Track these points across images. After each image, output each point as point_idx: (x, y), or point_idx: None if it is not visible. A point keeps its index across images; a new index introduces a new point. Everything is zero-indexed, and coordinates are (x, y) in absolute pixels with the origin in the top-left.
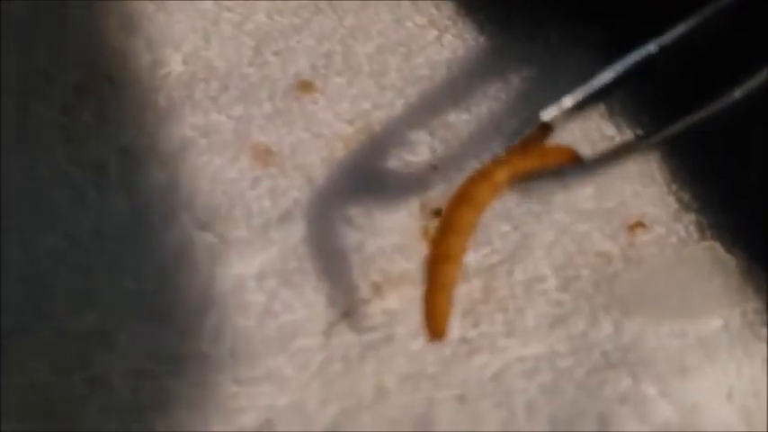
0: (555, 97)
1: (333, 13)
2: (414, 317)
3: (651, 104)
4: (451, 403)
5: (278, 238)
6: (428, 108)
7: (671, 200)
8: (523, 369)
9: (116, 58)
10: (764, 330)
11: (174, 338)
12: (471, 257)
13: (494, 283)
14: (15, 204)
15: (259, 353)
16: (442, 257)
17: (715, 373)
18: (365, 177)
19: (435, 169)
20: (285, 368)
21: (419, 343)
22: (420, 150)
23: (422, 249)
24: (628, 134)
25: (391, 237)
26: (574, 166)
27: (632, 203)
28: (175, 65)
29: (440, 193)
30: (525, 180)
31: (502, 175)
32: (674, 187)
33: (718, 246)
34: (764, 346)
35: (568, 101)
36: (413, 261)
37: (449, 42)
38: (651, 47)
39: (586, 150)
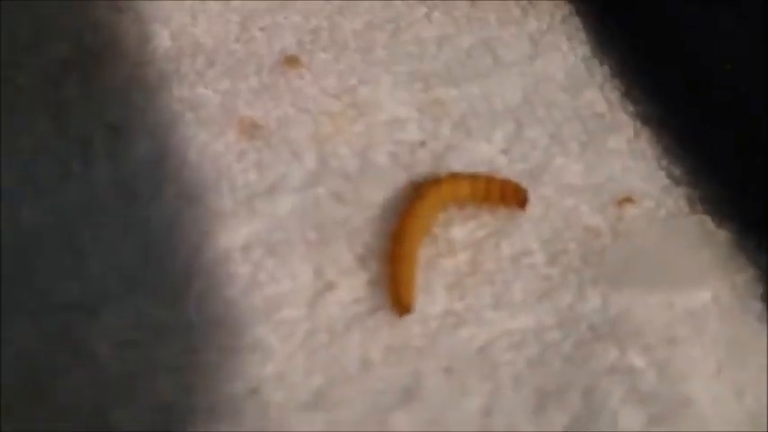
0: (545, 73)
1: None
2: None
3: (642, 82)
4: (437, 375)
5: (264, 210)
6: (416, 84)
7: (661, 175)
8: (510, 342)
9: (103, 33)
10: (754, 303)
11: (160, 309)
12: (457, 232)
13: (480, 257)
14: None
15: (245, 323)
16: (402, 235)
17: (704, 346)
18: (352, 153)
19: (424, 145)
20: (270, 338)
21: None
22: (408, 127)
23: None
24: (618, 111)
25: (378, 211)
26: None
27: (621, 178)
28: (162, 40)
29: (428, 169)
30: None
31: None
32: (663, 162)
33: (708, 219)
34: (754, 318)
35: None
36: None
37: (437, 19)
38: None
39: (577, 129)
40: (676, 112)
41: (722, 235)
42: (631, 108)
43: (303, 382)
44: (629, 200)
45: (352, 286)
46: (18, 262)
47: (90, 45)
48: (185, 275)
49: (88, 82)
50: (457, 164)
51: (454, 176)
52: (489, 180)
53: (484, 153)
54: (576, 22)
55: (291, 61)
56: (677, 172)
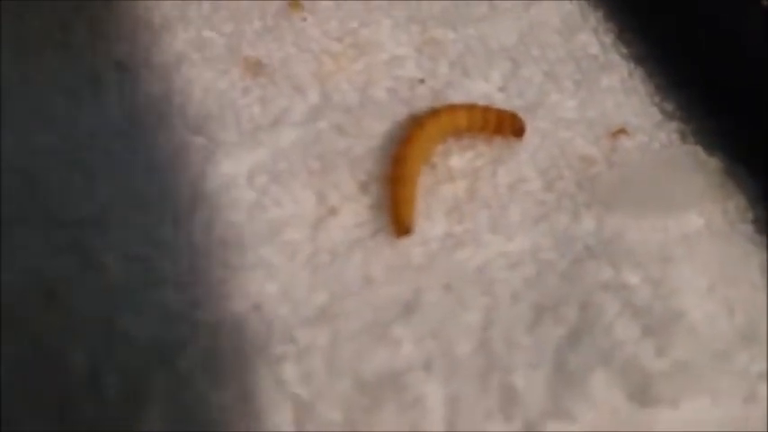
0: (540, 18)
1: None
2: None
3: (635, 25)
4: (436, 292)
5: (268, 140)
6: (415, 26)
7: (653, 110)
8: (507, 262)
9: None
10: (745, 227)
11: (166, 228)
12: (456, 161)
13: (478, 184)
14: (11, 106)
15: (248, 243)
16: (402, 159)
17: (696, 265)
18: (354, 89)
19: (422, 82)
20: (274, 257)
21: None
22: (407, 65)
23: None
24: (612, 53)
25: (379, 141)
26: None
27: (614, 114)
28: None
29: (427, 103)
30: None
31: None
32: (656, 99)
33: (700, 149)
34: (745, 240)
35: None
36: None
37: None
38: None
39: (571, 68)
40: (668, 52)
41: (713, 163)
42: (624, 50)
43: (306, 299)
44: (622, 131)
45: (355, 211)
46: (28, 181)
47: None
48: (191, 199)
49: (97, 24)
50: (455, 100)
51: (452, 107)
52: (486, 110)
53: (481, 90)
54: None
55: (294, 5)
56: (669, 107)
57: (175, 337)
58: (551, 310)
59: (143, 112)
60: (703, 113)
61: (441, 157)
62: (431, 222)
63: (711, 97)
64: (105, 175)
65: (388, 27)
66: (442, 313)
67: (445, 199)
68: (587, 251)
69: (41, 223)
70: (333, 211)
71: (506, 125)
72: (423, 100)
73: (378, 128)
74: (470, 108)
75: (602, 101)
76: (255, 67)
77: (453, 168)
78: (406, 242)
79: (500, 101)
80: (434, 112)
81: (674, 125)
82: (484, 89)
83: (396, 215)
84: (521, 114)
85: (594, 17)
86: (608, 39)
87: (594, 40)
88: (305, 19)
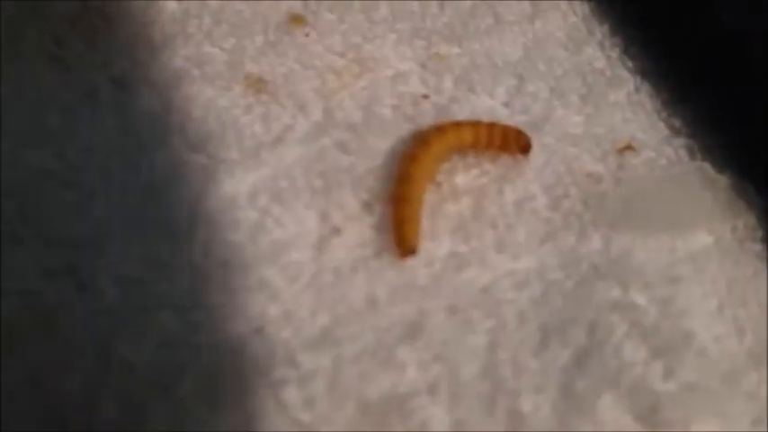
0: (545, 32)
1: None
2: None
3: (641, 39)
4: (441, 313)
5: (270, 159)
6: (419, 42)
7: (661, 126)
8: (513, 282)
9: None
10: (754, 246)
11: (165, 249)
12: (461, 179)
13: (484, 202)
14: (4, 123)
15: (250, 265)
16: (406, 178)
17: (705, 285)
18: (357, 105)
19: (426, 98)
20: (277, 279)
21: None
22: (411, 81)
23: None
24: (618, 67)
25: (383, 159)
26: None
27: (621, 129)
28: (168, 2)
29: (431, 120)
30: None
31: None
32: (663, 114)
33: (708, 166)
34: (754, 259)
35: None
36: None
37: None
38: None
39: (577, 83)
40: (675, 67)
41: (722, 181)
42: (631, 64)
43: (309, 320)
44: (629, 147)
45: (358, 231)
46: (22, 200)
47: (97, 6)
48: (190, 219)
49: (94, 39)
50: (460, 116)
51: (457, 124)
52: (492, 126)
53: (486, 106)
54: None
55: (297, 20)
56: (677, 123)
57: (174, 361)
58: (558, 332)
59: (141, 129)
60: (711, 129)
61: (446, 175)
62: (436, 242)
63: (719, 113)
64: (101, 193)
65: (391, 42)
66: (448, 335)
67: (450, 218)
68: (594, 271)
69: (36, 244)
70: (336, 231)
71: (512, 142)
72: (427, 116)
73: (381, 145)
74: (475, 125)
75: (608, 116)
76: (258, 84)
77: (458, 186)
78: (410, 262)
79: (505, 116)
80: (439, 129)
81: (681, 141)
82: (489, 105)
83: (399, 235)
84: (527, 130)
85: (600, 31)
86: (614, 53)
87: (600, 54)
88: (307, 34)
